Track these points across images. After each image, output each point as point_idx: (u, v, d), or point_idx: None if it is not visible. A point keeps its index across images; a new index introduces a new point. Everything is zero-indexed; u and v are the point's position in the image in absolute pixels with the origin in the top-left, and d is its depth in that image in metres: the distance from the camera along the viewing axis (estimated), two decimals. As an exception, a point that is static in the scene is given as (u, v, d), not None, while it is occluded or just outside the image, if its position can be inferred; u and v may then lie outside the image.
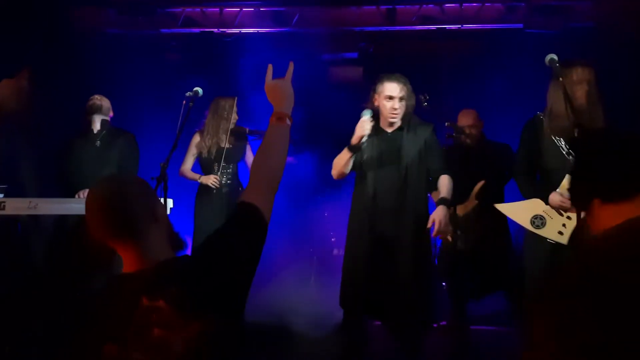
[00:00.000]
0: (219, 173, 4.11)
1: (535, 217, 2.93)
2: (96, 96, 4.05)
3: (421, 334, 3.32)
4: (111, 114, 4.09)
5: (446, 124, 2.93)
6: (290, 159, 5.34)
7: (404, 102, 3.16)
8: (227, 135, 4.11)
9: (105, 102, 4.04)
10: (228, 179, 4.16)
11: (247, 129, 4.21)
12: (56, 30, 5.13)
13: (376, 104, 3.22)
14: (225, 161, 4.10)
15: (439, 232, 2.98)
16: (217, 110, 4.12)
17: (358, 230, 3.26)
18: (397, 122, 3.24)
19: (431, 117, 3.12)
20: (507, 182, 4.03)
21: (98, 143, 3.98)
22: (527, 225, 2.96)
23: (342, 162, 3.26)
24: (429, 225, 3.00)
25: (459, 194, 3.84)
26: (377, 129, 3.25)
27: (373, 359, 3.46)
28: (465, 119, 3.95)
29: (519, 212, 3.02)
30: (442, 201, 3.11)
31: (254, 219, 1.48)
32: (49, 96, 5.01)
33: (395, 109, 3.15)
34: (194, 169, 4.26)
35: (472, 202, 3.85)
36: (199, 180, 4.13)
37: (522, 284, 3.06)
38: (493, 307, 4.19)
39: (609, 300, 1.03)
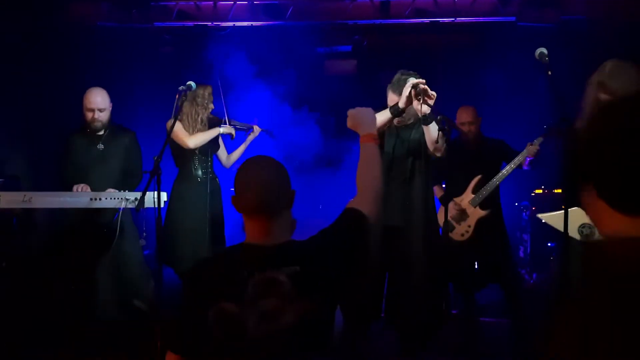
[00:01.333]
0: (197, 165, 3.98)
1: (583, 225, 2.79)
2: (96, 107, 3.77)
3: (430, 334, 3.33)
4: (110, 106, 3.91)
5: (438, 117, 2.91)
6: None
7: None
8: (206, 125, 3.99)
9: (104, 114, 3.82)
10: (206, 171, 4.02)
11: (223, 120, 4.08)
12: (50, 23, 5.11)
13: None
14: (203, 153, 3.99)
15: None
16: (195, 99, 3.91)
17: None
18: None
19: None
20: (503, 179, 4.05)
21: (101, 147, 3.84)
22: (574, 234, 2.80)
23: (380, 122, 3.14)
24: None
25: (458, 189, 3.92)
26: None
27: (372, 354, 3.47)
28: (465, 115, 3.96)
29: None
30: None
31: (358, 222, 1.70)
32: (43, 89, 5.02)
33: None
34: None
35: (468, 196, 3.90)
36: (220, 132, 3.97)
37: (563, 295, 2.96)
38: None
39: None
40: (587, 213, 1.12)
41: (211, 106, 4.03)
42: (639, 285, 0.96)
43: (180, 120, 3.92)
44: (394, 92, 3.22)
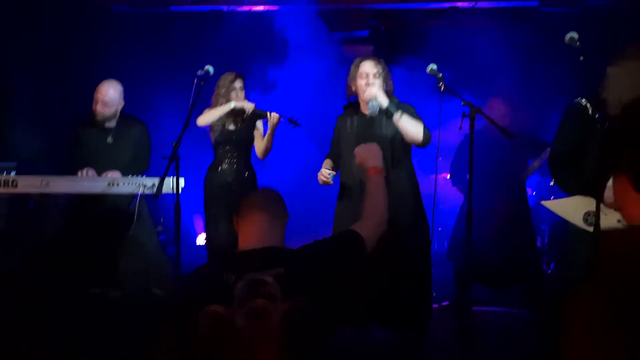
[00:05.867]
0: (223, 156, 3.92)
1: (589, 213, 2.68)
2: (101, 98, 3.71)
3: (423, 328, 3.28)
4: (122, 102, 3.83)
5: (462, 103, 2.84)
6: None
7: (378, 80, 3.11)
8: (232, 115, 3.90)
9: (109, 109, 3.74)
10: (233, 164, 3.91)
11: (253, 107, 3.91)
12: (64, 7, 5.08)
13: (353, 89, 3.20)
14: (230, 144, 3.89)
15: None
16: (219, 89, 3.88)
17: (345, 217, 3.18)
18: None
19: (447, 97, 3.05)
20: (531, 174, 3.96)
21: (110, 140, 3.80)
22: (579, 222, 2.72)
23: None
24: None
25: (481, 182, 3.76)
26: (357, 114, 3.22)
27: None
28: (497, 107, 3.88)
29: (570, 208, 2.75)
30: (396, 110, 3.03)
31: (354, 245, 1.85)
32: (56, 72, 5.00)
33: (370, 93, 3.09)
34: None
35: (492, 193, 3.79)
36: (232, 107, 3.80)
37: (565, 284, 2.90)
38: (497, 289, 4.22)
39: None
40: (618, 201, 1.18)
41: (234, 94, 3.89)
42: None
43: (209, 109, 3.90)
44: (349, 78, 3.22)
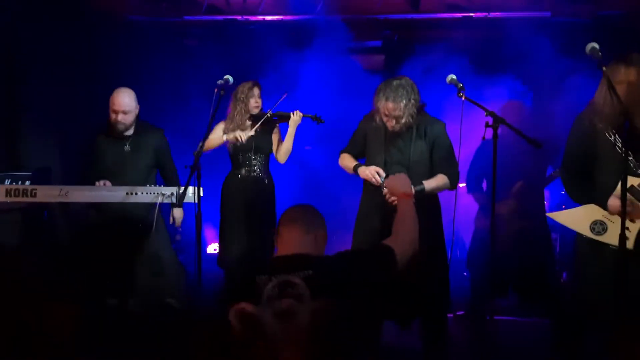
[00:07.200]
0: (241, 164, 3.94)
1: (595, 222, 2.73)
2: (120, 109, 3.67)
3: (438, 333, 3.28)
4: (137, 108, 3.80)
5: (485, 113, 2.84)
6: (308, 147, 5.28)
7: (401, 119, 3.11)
8: (250, 121, 3.93)
9: (128, 117, 3.71)
10: (253, 172, 3.93)
11: (269, 112, 3.94)
12: (80, 17, 5.11)
13: (376, 110, 3.21)
14: (248, 151, 3.91)
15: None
16: (237, 96, 3.91)
17: (367, 229, 3.21)
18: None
19: (468, 107, 3.05)
20: (549, 184, 3.96)
21: (127, 148, 3.78)
22: (586, 232, 2.75)
23: (346, 168, 3.38)
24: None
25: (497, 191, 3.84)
26: (384, 126, 3.19)
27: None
28: (512, 111, 3.86)
29: (576, 218, 2.79)
30: (419, 184, 3.04)
31: (387, 259, 1.94)
32: (72, 81, 5.03)
33: (393, 125, 3.13)
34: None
35: (511, 202, 3.79)
36: (225, 139, 3.88)
37: (578, 294, 2.87)
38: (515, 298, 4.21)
39: None
40: None
41: (253, 101, 3.93)
42: None
43: (224, 122, 3.94)
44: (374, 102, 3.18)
